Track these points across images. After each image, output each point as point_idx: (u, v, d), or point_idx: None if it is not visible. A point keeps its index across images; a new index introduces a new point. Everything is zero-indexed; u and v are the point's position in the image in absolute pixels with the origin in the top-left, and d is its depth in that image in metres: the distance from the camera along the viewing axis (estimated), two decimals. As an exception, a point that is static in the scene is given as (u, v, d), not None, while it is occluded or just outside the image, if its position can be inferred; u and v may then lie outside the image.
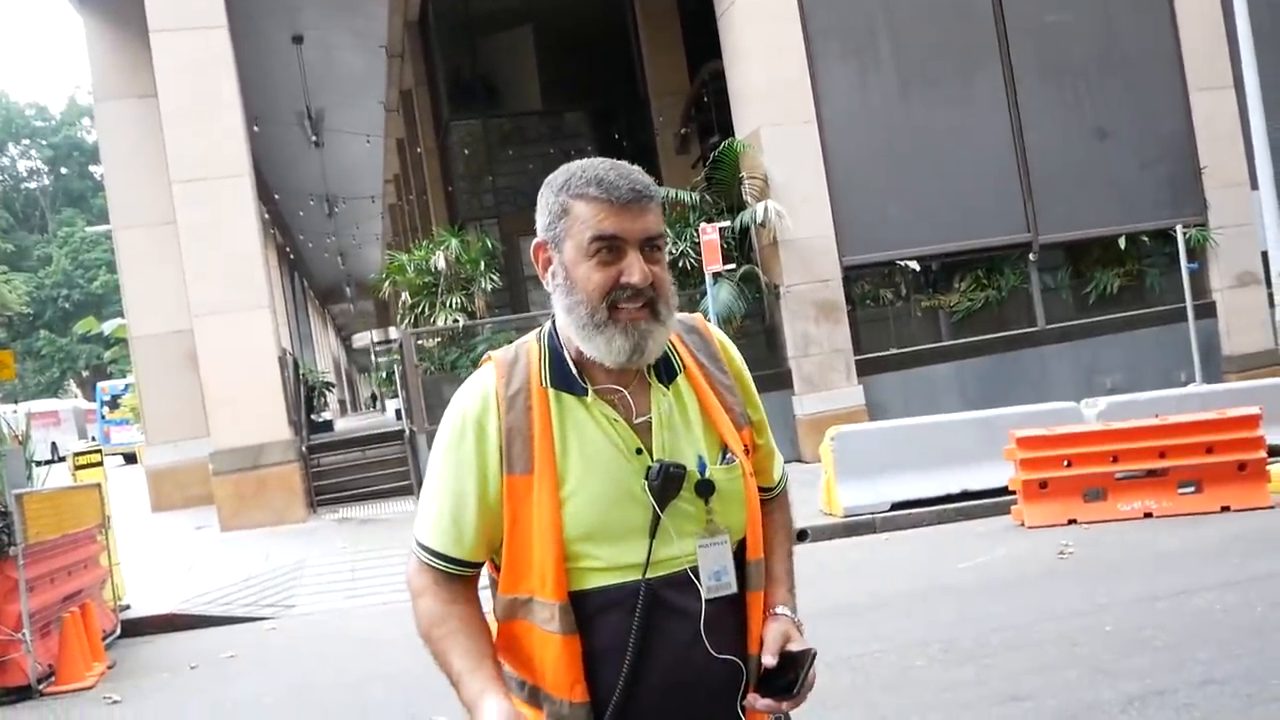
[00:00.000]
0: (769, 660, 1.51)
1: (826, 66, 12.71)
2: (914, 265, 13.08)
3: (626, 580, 1.47)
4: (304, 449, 13.55)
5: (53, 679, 6.36)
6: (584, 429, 1.50)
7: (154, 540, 12.18)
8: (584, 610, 1.47)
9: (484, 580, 1.60)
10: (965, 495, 8.94)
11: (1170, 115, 13.94)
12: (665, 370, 1.57)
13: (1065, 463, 8.17)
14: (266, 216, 22.57)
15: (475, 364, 10.17)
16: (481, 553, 1.55)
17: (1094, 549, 7.19)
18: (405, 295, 14.32)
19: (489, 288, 14.05)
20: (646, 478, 1.48)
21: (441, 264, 13.49)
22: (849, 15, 12.88)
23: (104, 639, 7.07)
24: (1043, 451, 8.19)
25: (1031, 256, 13.45)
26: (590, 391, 1.52)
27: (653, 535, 1.47)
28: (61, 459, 14.71)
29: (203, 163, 11.72)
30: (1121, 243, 13.58)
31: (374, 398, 46.12)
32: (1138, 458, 8.14)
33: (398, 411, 17.87)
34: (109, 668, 6.73)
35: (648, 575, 1.46)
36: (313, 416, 19.32)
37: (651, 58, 17.69)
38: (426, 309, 13.69)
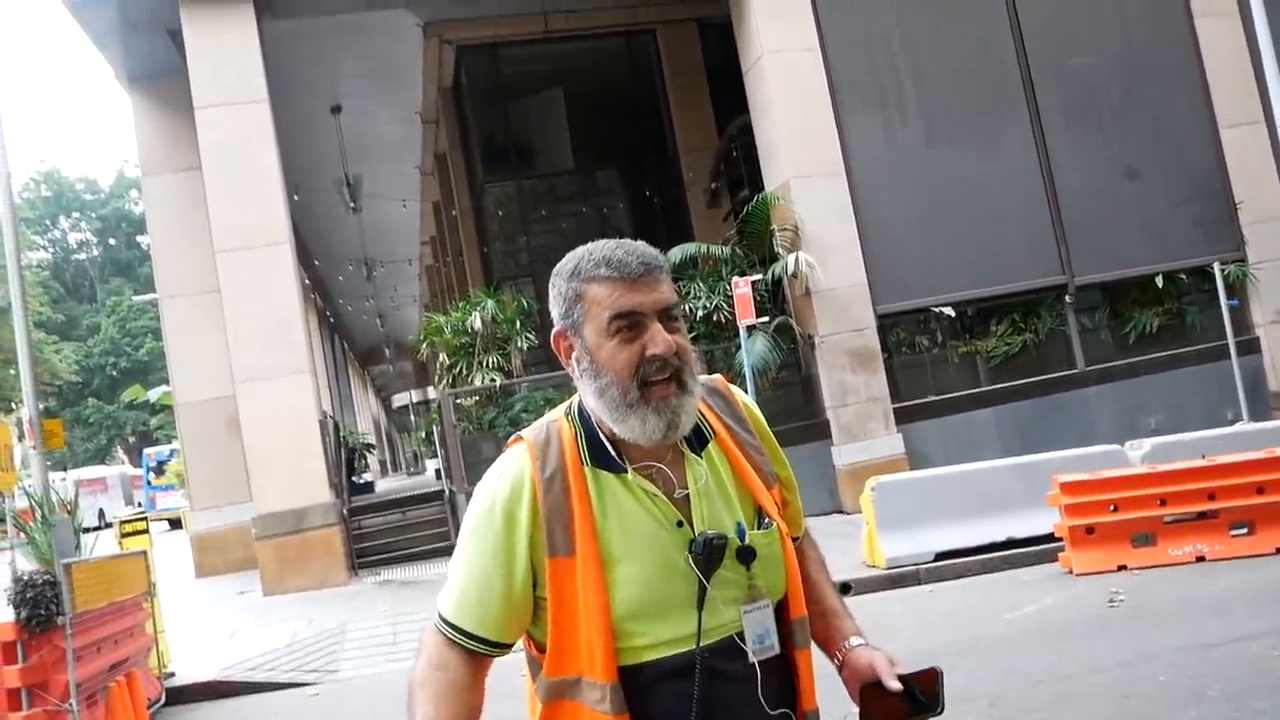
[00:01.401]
0: (895, 685, 1.51)
1: (853, 117, 12.82)
2: (949, 311, 13.03)
3: (677, 653, 1.48)
4: (345, 511, 13.64)
5: (100, 748, 6.39)
6: (624, 506, 1.51)
7: (198, 606, 12.27)
8: (634, 686, 1.47)
9: (511, 662, 1.61)
10: (1010, 543, 8.79)
11: (1200, 152, 13.87)
12: (696, 438, 1.59)
13: (1112, 507, 8.02)
14: (307, 281, 23.00)
15: (514, 423, 10.26)
16: (503, 633, 1.55)
17: (1145, 595, 7.03)
18: (443, 356, 14.47)
19: (525, 346, 14.17)
20: (690, 550, 1.49)
21: (478, 324, 13.64)
22: (873, 66, 13.02)
23: (149, 707, 7.10)
24: (1088, 496, 8.05)
25: (1068, 298, 13.35)
26: (630, 469, 1.53)
27: (700, 607, 1.48)
28: (108, 525, 14.96)
29: (245, 232, 12.02)
30: (1159, 281, 13.45)
31: (416, 457, 46.38)
32: (1186, 500, 7.98)
33: (437, 471, 17.98)
34: (155, 736, 6.76)
35: (700, 644, 1.47)
36: (354, 478, 19.46)
37: (680, 114, 17.94)
38: (464, 369, 13.82)
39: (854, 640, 1.63)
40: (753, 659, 1.50)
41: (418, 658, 1.57)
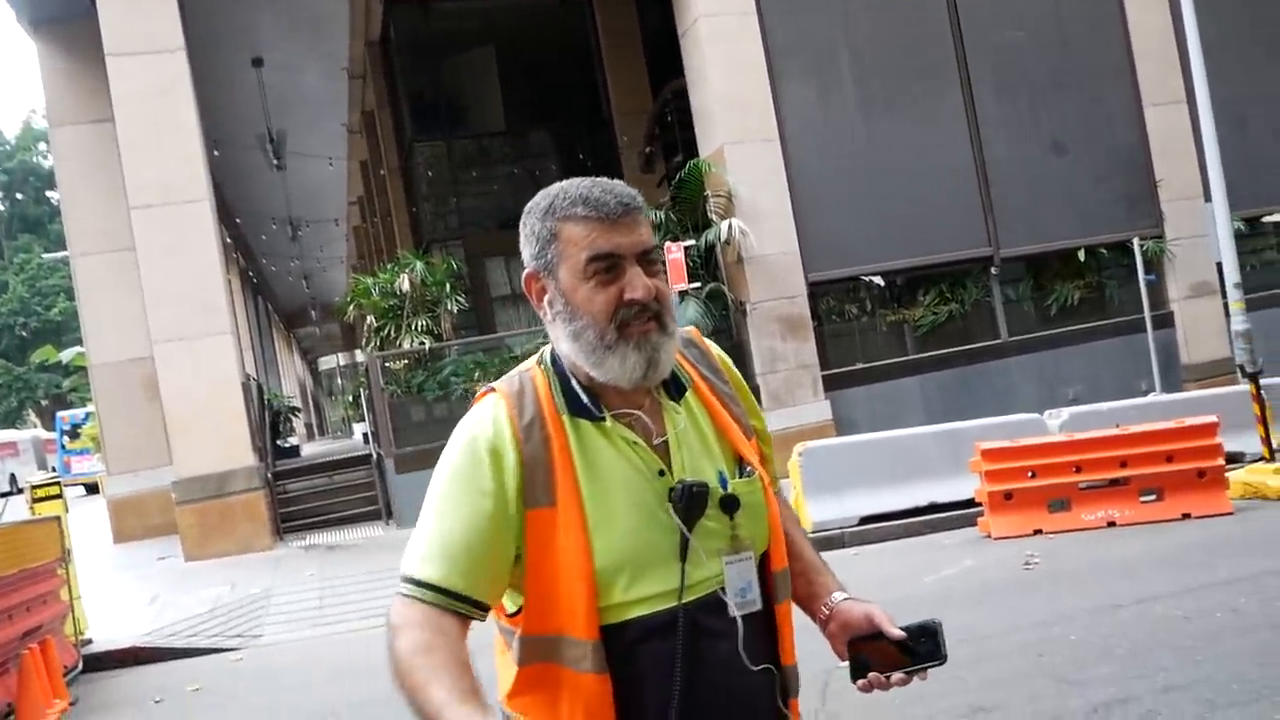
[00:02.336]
0: (898, 634, 1.50)
1: (788, 84, 12.84)
2: (878, 280, 13.20)
3: (660, 609, 1.42)
4: (269, 475, 13.39)
5: (13, 717, 6.22)
6: (604, 455, 1.45)
7: (116, 572, 11.98)
8: (615, 645, 1.40)
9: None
10: (933, 508, 9.00)
11: (1125, 130, 14.21)
12: (674, 387, 1.54)
13: (1030, 474, 8.26)
14: (228, 241, 22.38)
15: (443, 386, 10.08)
16: (489, 591, 1.43)
17: (1059, 559, 7.26)
18: (370, 318, 14.23)
19: (455, 309, 13.99)
20: (670, 499, 1.43)
21: (406, 286, 13.42)
22: (809, 34, 13.03)
23: (65, 675, 6.92)
24: (1007, 463, 8.27)
25: (993, 270, 13.62)
26: (608, 416, 1.46)
27: (684, 559, 1.42)
28: (20, 491, 14.44)
29: (162, 188, 11.61)
30: (1081, 255, 13.79)
31: (345, 421, 45.75)
32: (1100, 468, 8.25)
33: (365, 435, 17.74)
34: (71, 704, 6.59)
35: (684, 598, 1.42)
36: (278, 442, 19.12)
37: (614, 77, 17.77)
38: (392, 332, 13.60)
39: (839, 595, 1.60)
40: (734, 613, 1.46)
41: (395, 637, 1.39)
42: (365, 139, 22.18)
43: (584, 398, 1.47)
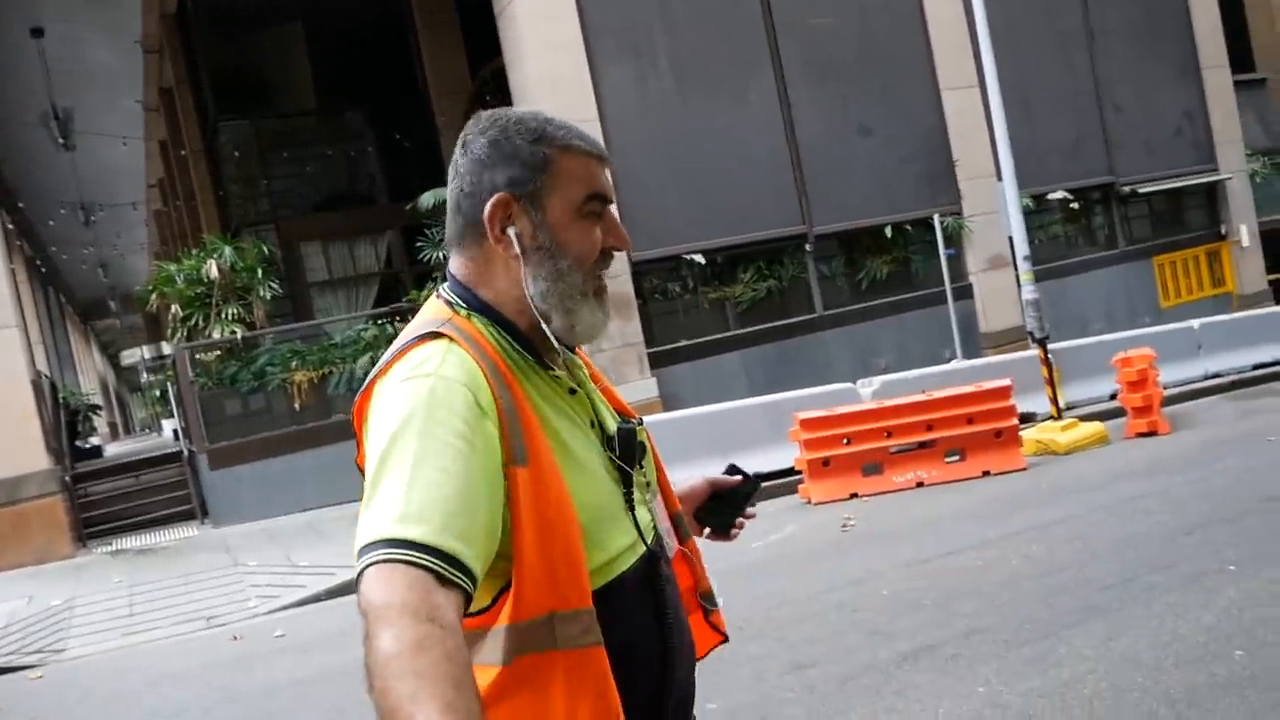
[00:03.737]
0: (732, 479, 1.74)
1: (606, 65, 12.89)
2: (699, 259, 13.48)
3: (632, 563, 1.33)
4: (68, 478, 12.49)
5: None
6: (552, 406, 1.33)
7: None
8: (603, 611, 1.25)
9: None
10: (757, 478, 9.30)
11: (925, 113, 15.00)
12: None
13: (845, 440, 8.67)
14: (10, 226, 20.62)
15: (258, 376, 9.58)
16: (480, 568, 1.15)
17: (873, 520, 7.66)
18: (175, 307, 13.44)
19: (269, 296, 13.40)
20: (609, 448, 1.37)
21: (214, 273, 12.76)
22: (626, 15, 13.11)
23: None
24: (824, 431, 8.65)
25: (807, 247, 14.14)
26: (553, 367, 1.37)
27: (631, 508, 1.36)
28: None
29: (-72, 169, 10.59)
30: (888, 231, 14.50)
31: (154, 418, 43.10)
32: (909, 432, 8.75)
33: (175, 432, 16.78)
34: None
35: (647, 544, 1.37)
36: (77, 443, 17.86)
37: (431, 56, 17.38)
38: (200, 321, 12.91)
39: (679, 488, 1.67)
40: (672, 554, 1.45)
41: (378, 629, 1.03)
42: (164, 118, 20.85)
43: (530, 346, 1.34)
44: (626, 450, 1.37)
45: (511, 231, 1.31)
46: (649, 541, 1.38)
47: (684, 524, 1.55)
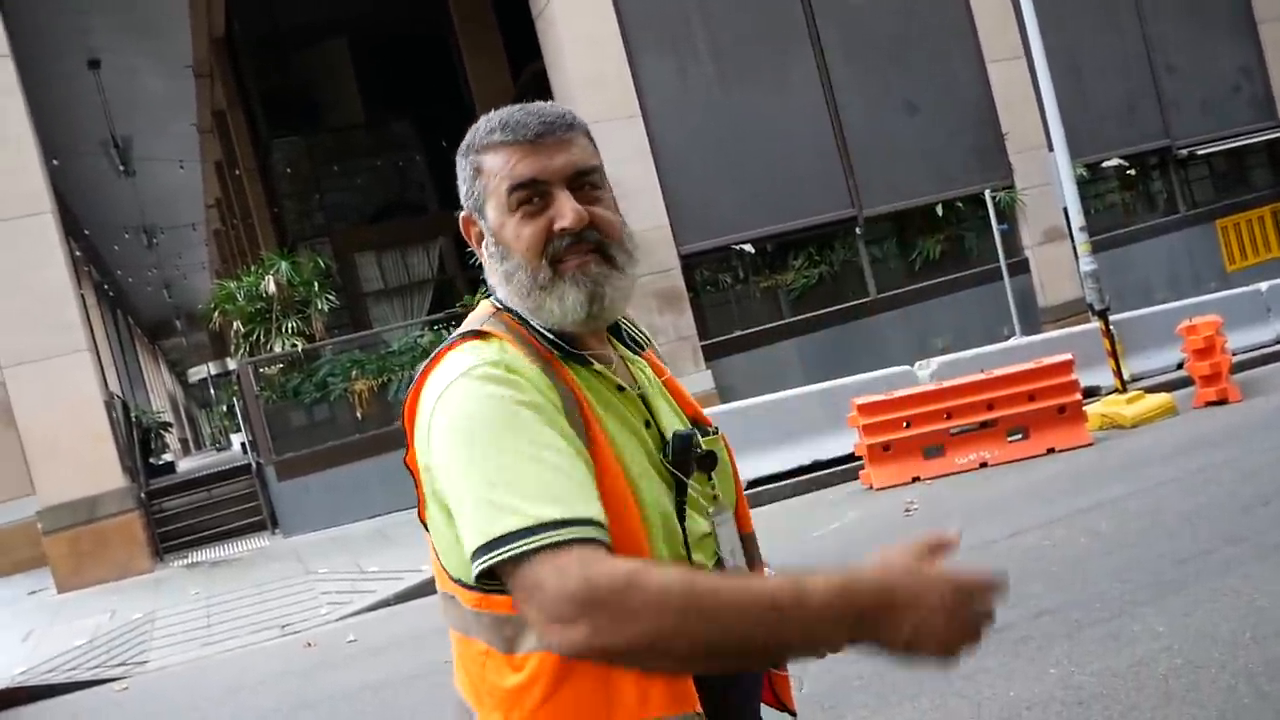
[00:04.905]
0: None
1: (646, 59, 12.88)
2: (749, 248, 13.42)
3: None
4: (143, 495, 12.86)
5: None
6: (601, 400, 1.30)
7: (-16, 611, 11.33)
8: None
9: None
10: (816, 465, 9.27)
11: (970, 86, 14.75)
12: (634, 345, 1.47)
13: (905, 424, 8.57)
14: (78, 254, 21.25)
15: (320, 388, 9.70)
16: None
17: (936, 503, 7.58)
18: (237, 324, 13.75)
19: (326, 308, 13.65)
20: (663, 452, 1.32)
21: (273, 288, 13.02)
22: (663, 6, 13.09)
23: (-67, 725, 6.54)
24: (883, 416, 8.56)
25: (858, 230, 14.00)
26: (597, 361, 1.33)
27: (681, 517, 1.30)
28: None
29: (-1, 202, 10.97)
30: (939, 210, 14.29)
31: (223, 432, 44.14)
32: (969, 412, 8.61)
33: (243, 445, 17.19)
34: (-58, 755, 6.25)
35: (694, 560, 1.30)
36: (151, 460, 18.38)
37: (473, 62, 17.53)
38: (262, 336, 13.19)
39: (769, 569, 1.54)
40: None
41: (616, 591, 1.05)
42: (218, 139, 21.34)
43: (563, 342, 1.32)
44: (680, 456, 1.32)
45: (483, 244, 1.36)
46: (701, 553, 1.32)
47: (755, 546, 1.49)
